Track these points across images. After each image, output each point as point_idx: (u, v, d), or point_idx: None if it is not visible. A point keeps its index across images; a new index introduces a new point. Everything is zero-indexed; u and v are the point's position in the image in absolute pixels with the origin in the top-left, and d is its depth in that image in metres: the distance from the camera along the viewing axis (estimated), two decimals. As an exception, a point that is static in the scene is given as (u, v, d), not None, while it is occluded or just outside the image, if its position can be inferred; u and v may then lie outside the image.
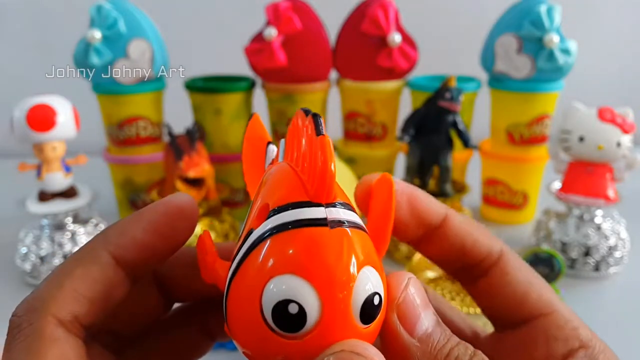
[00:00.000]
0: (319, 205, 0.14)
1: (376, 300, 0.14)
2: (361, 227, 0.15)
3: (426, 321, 0.16)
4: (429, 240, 0.19)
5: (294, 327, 0.13)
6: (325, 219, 0.14)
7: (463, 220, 0.19)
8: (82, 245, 0.49)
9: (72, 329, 0.15)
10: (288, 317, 0.13)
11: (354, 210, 0.15)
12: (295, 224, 0.14)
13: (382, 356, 0.14)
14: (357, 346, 0.14)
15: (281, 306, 0.13)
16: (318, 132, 0.14)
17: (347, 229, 0.14)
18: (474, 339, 0.20)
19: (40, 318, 0.14)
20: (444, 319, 0.20)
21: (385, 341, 0.16)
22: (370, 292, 0.14)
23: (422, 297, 0.16)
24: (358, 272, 0.14)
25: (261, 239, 0.14)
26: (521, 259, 0.19)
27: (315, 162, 0.14)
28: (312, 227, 0.14)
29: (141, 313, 0.19)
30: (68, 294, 0.15)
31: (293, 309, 0.13)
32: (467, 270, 0.19)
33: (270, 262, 0.14)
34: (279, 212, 0.14)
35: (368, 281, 0.14)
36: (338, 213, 0.14)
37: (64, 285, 0.15)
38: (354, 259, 0.14)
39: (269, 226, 0.14)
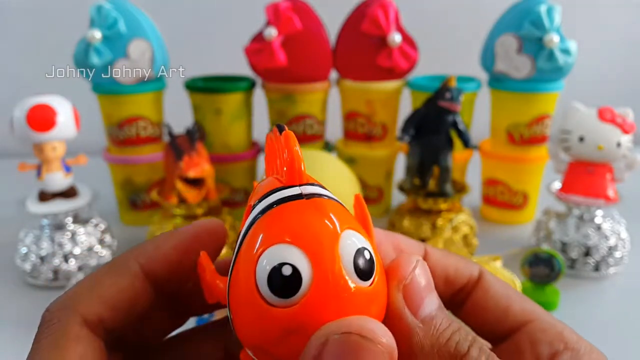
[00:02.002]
0: (292, 187, 0.15)
1: (367, 255, 0.14)
2: (337, 200, 0.16)
3: (430, 304, 0.16)
4: None
5: (290, 289, 0.14)
6: (301, 194, 0.15)
7: (441, 252, 0.20)
8: (82, 244, 0.49)
9: (97, 331, 0.16)
10: (284, 280, 0.14)
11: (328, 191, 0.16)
12: (274, 204, 0.15)
13: (391, 336, 0.14)
14: (364, 327, 0.13)
15: (275, 271, 0.14)
16: (280, 131, 0.15)
17: (323, 198, 0.15)
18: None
19: (68, 316, 0.15)
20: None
21: (389, 320, 0.16)
22: (358, 247, 0.14)
23: (428, 280, 0.16)
24: (341, 231, 0.14)
25: (246, 231, 0.15)
26: (498, 278, 0.20)
27: (282, 154, 0.15)
28: (289, 202, 0.15)
29: (153, 322, 0.20)
30: (96, 299, 0.16)
31: (287, 270, 0.14)
32: (455, 298, 0.20)
33: (258, 243, 0.14)
34: (258, 203, 0.15)
35: (353, 238, 0.14)
36: (313, 189, 0.15)
37: (94, 290, 0.16)
38: (334, 219, 0.14)
39: (251, 217, 0.15)
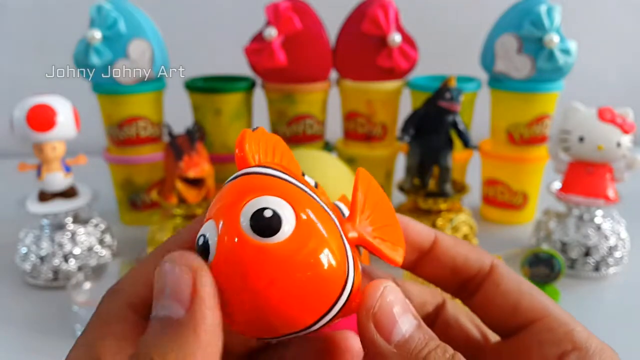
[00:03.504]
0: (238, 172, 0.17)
1: (267, 213, 0.15)
2: (274, 175, 0.16)
3: (404, 326, 0.16)
4: (423, 263, 0.20)
5: (204, 255, 0.15)
6: (235, 176, 0.16)
7: (452, 240, 0.20)
8: (82, 244, 0.48)
9: (140, 311, 0.17)
10: (199, 249, 0.15)
11: (282, 171, 0.17)
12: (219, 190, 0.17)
13: (191, 259, 0.15)
14: (171, 255, 0.15)
15: (196, 244, 0.16)
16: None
17: (254, 175, 0.16)
18: (483, 344, 0.21)
19: (115, 299, 0.17)
20: (455, 324, 0.21)
21: (365, 350, 0.16)
22: (258, 207, 0.15)
23: (401, 303, 0.16)
24: (252, 197, 0.15)
25: None
26: (512, 270, 0.20)
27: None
28: (225, 185, 0.16)
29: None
30: (140, 281, 0.17)
31: (200, 240, 0.15)
32: (464, 287, 0.20)
33: None
34: None
35: (262, 201, 0.15)
36: (252, 169, 0.16)
37: (139, 273, 0.18)
38: (247, 189, 0.15)
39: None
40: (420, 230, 0.20)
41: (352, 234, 0.17)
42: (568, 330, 0.18)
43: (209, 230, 0.15)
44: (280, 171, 0.16)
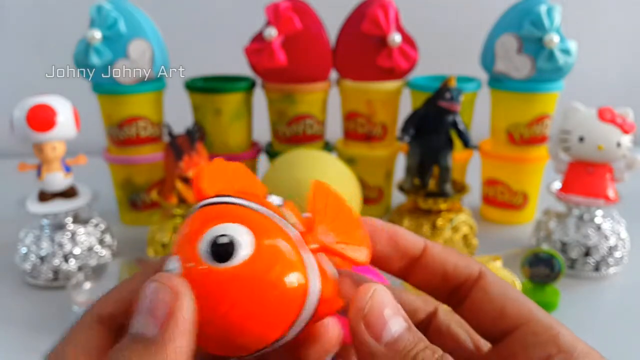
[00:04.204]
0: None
1: (223, 240, 0.16)
2: (230, 202, 0.17)
3: (394, 327, 0.16)
4: (413, 271, 0.21)
5: None
6: (193, 209, 0.17)
7: (441, 248, 0.20)
8: (82, 244, 0.49)
9: (109, 324, 0.18)
10: None
11: (239, 197, 0.17)
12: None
13: (176, 282, 0.15)
14: (157, 275, 0.16)
15: None
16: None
17: (212, 205, 0.17)
18: (475, 351, 0.21)
19: (86, 314, 0.18)
20: (446, 332, 0.21)
21: (356, 349, 0.17)
22: (216, 235, 0.16)
23: (391, 305, 0.17)
24: (211, 227, 0.16)
25: None
26: (500, 278, 0.20)
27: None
28: (185, 218, 0.17)
29: None
30: (110, 298, 0.19)
31: None
32: (454, 294, 0.20)
33: None
34: None
35: (219, 230, 0.16)
36: (209, 200, 0.17)
37: (112, 293, 0.19)
38: (205, 220, 0.16)
39: None
40: (410, 238, 0.20)
41: (313, 245, 0.17)
42: (553, 333, 0.18)
43: (174, 263, 0.16)
44: (238, 197, 0.17)
